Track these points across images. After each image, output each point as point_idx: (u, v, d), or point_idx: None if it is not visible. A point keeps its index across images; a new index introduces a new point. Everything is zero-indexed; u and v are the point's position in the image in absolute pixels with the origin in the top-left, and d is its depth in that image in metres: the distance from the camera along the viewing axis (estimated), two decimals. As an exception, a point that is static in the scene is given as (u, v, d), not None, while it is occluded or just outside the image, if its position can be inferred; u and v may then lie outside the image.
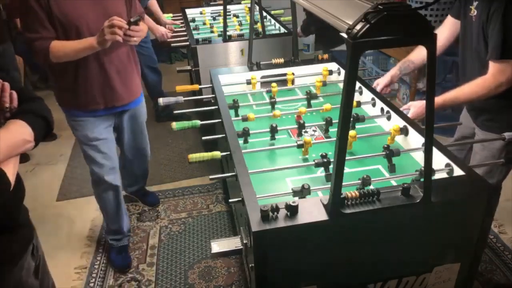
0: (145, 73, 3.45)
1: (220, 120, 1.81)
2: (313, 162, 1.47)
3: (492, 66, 1.62)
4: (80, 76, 1.93)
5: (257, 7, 2.94)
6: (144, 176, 2.75)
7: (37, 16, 1.77)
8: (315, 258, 1.24)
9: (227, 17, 2.93)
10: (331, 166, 1.44)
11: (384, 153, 1.52)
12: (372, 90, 2.01)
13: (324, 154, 1.48)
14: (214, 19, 3.59)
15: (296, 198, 1.31)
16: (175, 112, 2.09)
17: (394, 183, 1.43)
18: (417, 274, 1.36)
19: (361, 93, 2.07)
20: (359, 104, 1.95)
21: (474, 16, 1.70)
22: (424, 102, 1.12)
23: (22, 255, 1.28)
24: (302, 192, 1.31)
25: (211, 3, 4.09)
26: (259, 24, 3.03)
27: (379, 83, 2.11)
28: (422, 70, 3.49)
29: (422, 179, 1.37)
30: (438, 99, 1.69)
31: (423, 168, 1.37)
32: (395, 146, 1.68)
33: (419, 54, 2.04)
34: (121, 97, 2.08)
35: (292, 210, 1.18)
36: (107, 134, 2.15)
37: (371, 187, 1.34)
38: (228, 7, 3.53)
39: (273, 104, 1.98)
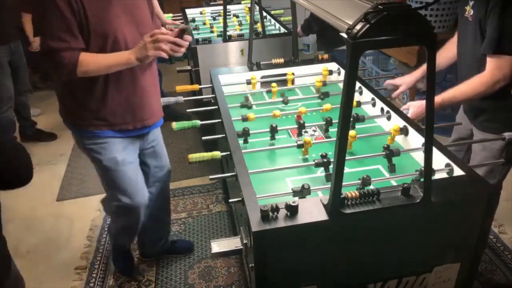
0: None
1: (220, 120, 1.81)
2: (313, 162, 1.48)
3: (489, 62, 1.62)
4: (111, 91, 1.66)
5: (257, 7, 2.94)
6: (168, 222, 2.34)
7: (66, 21, 1.47)
8: (315, 258, 1.25)
9: (227, 17, 2.93)
10: (331, 166, 1.44)
11: (384, 153, 1.52)
12: (372, 90, 2.01)
13: (324, 154, 1.48)
14: (214, 19, 3.59)
15: (296, 198, 1.32)
16: (175, 112, 2.03)
17: (394, 183, 1.43)
18: (417, 274, 1.36)
19: (361, 93, 2.07)
20: (359, 104, 1.95)
21: (470, 16, 1.70)
22: (423, 102, 1.12)
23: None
24: (302, 192, 1.31)
25: (211, 3, 4.09)
26: (259, 24, 3.03)
27: (401, 84, 2.03)
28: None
29: (422, 179, 1.37)
30: (437, 98, 1.68)
31: (423, 168, 1.37)
32: (395, 146, 1.68)
33: (445, 56, 1.99)
34: (151, 115, 1.81)
35: (292, 210, 1.18)
36: (135, 157, 1.89)
37: (371, 187, 1.34)
38: (228, 7, 3.53)
39: (286, 102, 2.01)
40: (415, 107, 1.79)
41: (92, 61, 1.55)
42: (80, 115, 1.71)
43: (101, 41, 1.56)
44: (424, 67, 2.06)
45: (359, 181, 1.37)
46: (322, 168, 1.49)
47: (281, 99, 2.04)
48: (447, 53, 1.97)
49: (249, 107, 1.95)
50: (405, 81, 2.04)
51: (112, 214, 2.12)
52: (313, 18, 3.28)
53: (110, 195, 1.93)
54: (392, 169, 1.52)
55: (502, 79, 1.60)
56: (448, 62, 1.99)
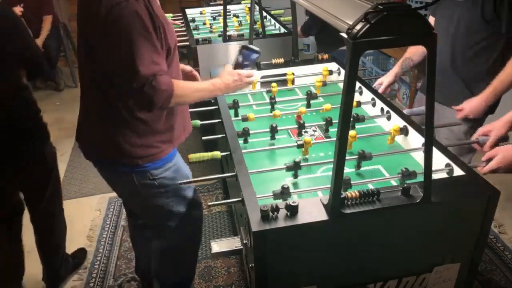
0: None
1: (220, 120, 1.81)
2: (285, 166, 1.47)
3: None
4: (175, 107, 1.53)
5: (257, 7, 2.94)
6: None
7: (154, 42, 1.32)
8: (315, 258, 1.25)
9: (227, 17, 2.93)
10: (300, 170, 1.47)
11: (356, 157, 1.51)
12: (372, 90, 2.01)
13: (298, 159, 1.46)
14: (214, 19, 3.59)
15: (296, 197, 1.32)
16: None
17: (394, 183, 1.43)
18: (417, 274, 1.36)
19: (361, 93, 2.07)
20: (359, 104, 1.95)
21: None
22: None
23: None
24: (283, 194, 1.30)
25: (211, 3, 4.09)
26: (258, 24, 3.03)
27: (383, 82, 2.12)
28: (422, 69, 3.49)
29: (408, 181, 1.37)
30: (481, 100, 1.77)
31: (404, 169, 1.37)
32: (395, 146, 1.68)
33: (417, 51, 2.08)
34: (190, 122, 1.71)
35: (292, 210, 1.18)
36: None
37: (371, 187, 1.34)
38: (228, 7, 3.53)
39: (273, 104, 1.98)
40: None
41: (186, 88, 1.43)
42: (151, 145, 1.50)
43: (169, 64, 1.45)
44: (399, 63, 2.14)
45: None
46: (323, 168, 1.49)
47: (281, 99, 2.04)
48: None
49: (236, 107, 1.94)
50: (386, 79, 2.15)
51: (190, 247, 1.88)
52: (312, 21, 3.29)
53: (178, 221, 1.69)
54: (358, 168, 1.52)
55: None
56: (424, 55, 2.06)
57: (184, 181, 1.49)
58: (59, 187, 2.20)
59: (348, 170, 1.51)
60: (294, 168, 1.45)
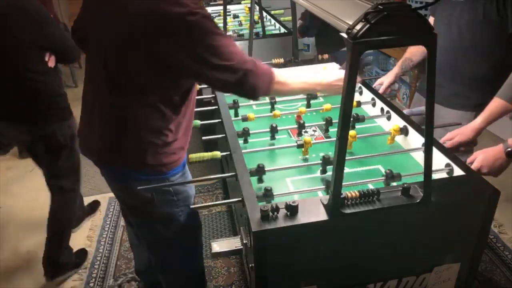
0: None
1: (220, 120, 1.81)
2: (315, 162, 1.46)
3: None
4: (190, 109, 1.50)
5: (257, 7, 2.94)
6: None
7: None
8: (315, 258, 1.25)
9: (227, 17, 2.93)
10: (265, 176, 1.45)
11: (320, 162, 1.49)
12: (372, 90, 2.01)
13: (261, 164, 1.44)
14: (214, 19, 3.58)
15: (296, 197, 1.32)
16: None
17: (394, 183, 1.43)
18: (417, 274, 1.36)
19: (361, 93, 2.07)
20: (359, 104, 1.95)
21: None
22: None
23: None
24: (266, 196, 1.30)
25: (211, 3, 4.09)
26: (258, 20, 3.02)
27: (383, 82, 2.12)
28: (422, 69, 3.49)
29: (394, 183, 1.37)
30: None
31: (388, 171, 1.38)
32: (395, 146, 1.68)
33: (417, 51, 2.07)
34: None
35: (292, 210, 1.18)
36: None
37: (371, 187, 1.34)
38: (228, 7, 3.53)
39: (273, 104, 1.98)
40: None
41: (287, 77, 1.41)
42: (173, 152, 1.46)
43: None
44: (399, 63, 2.12)
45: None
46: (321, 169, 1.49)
47: (281, 99, 2.04)
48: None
49: (236, 107, 1.94)
50: (386, 79, 2.14)
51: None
52: (310, 22, 3.29)
53: (184, 231, 1.63)
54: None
55: None
56: (423, 55, 2.04)
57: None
58: (73, 168, 2.36)
59: (348, 170, 1.51)
60: (257, 173, 1.43)
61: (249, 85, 1.32)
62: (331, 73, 1.54)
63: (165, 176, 1.47)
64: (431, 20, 2.04)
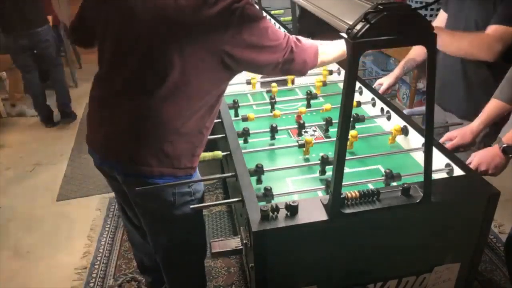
0: None
1: (220, 120, 1.81)
2: (315, 162, 1.46)
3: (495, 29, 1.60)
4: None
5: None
6: None
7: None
8: (315, 258, 1.25)
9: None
10: (265, 176, 1.44)
11: (318, 162, 1.49)
12: (372, 90, 2.01)
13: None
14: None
15: (296, 197, 1.32)
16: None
17: (394, 183, 1.43)
18: (417, 274, 1.36)
19: (361, 93, 2.07)
20: (359, 104, 1.95)
21: None
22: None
23: None
24: (266, 196, 1.30)
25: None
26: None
27: (383, 83, 2.10)
28: (423, 69, 3.49)
29: (394, 183, 1.37)
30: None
31: (388, 171, 1.37)
32: (395, 146, 1.68)
33: (421, 51, 2.04)
34: None
35: (292, 210, 1.18)
36: None
37: (371, 187, 1.34)
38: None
39: (273, 104, 1.98)
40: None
41: (324, 43, 1.47)
42: (199, 154, 1.45)
43: None
44: (401, 64, 2.08)
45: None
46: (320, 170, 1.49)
47: (281, 99, 2.04)
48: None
49: (237, 107, 1.94)
50: (386, 80, 2.11)
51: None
52: (301, 24, 3.29)
53: (193, 228, 1.64)
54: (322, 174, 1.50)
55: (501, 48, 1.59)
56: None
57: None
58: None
59: (348, 170, 1.51)
60: (255, 173, 1.43)
61: (298, 60, 1.37)
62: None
63: (190, 177, 1.44)
64: (443, 16, 1.94)
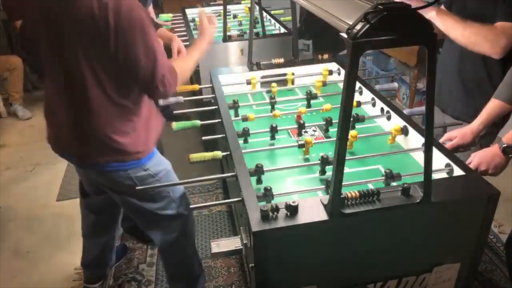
0: None
1: (220, 120, 1.81)
2: (315, 162, 1.46)
3: (503, 25, 1.58)
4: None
5: (257, 7, 2.94)
6: None
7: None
8: (315, 258, 1.25)
9: (227, 17, 2.93)
10: (265, 176, 1.45)
11: (318, 162, 1.50)
12: (372, 90, 2.01)
13: (260, 163, 1.45)
14: (214, 19, 3.58)
15: (296, 197, 1.32)
16: (175, 112, 2.06)
17: (394, 183, 1.43)
18: (417, 274, 1.36)
19: (361, 93, 2.07)
20: (359, 104, 1.95)
21: None
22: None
23: None
24: (266, 196, 1.30)
25: (211, 3, 4.09)
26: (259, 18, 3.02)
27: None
28: (422, 70, 3.49)
29: (394, 183, 1.37)
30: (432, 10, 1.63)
31: (388, 171, 1.37)
32: (395, 146, 1.68)
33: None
34: None
35: (292, 210, 1.18)
36: None
37: (371, 187, 1.34)
38: (228, 7, 3.53)
39: (273, 104, 1.98)
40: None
41: (182, 64, 1.58)
42: (145, 139, 1.59)
43: None
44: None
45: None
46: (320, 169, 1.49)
47: (281, 99, 2.04)
48: None
49: (237, 107, 1.94)
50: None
51: (189, 234, 1.90)
52: (306, 27, 3.29)
53: (177, 207, 1.76)
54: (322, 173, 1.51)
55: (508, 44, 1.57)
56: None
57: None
58: None
59: (348, 170, 1.51)
60: (256, 173, 1.44)
61: (167, 87, 1.46)
62: (206, 33, 1.75)
63: (141, 162, 1.58)
64: None
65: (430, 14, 1.61)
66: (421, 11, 1.57)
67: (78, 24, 1.35)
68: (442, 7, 1.90)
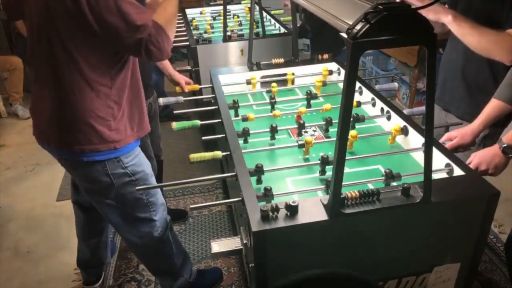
0: None
1: (220, 120, 1.81)
2: (315, 162, 1.46)
3: None
4: (135, 83, 1.61)
5: (257, 7, 2.94)
6: None
7: None
8: (315, 258, 1.24)
9: (227, 17, 2.93)
10: (265, 176, 1.44)
11: (318, 162, 1.50)
12: (372, 90, 2.01)
13: (260, 163, 1.44)
14: (214, 19, 3.59)
15: (296, 197, 1.32)
16: (175, 112, 2.05)
17: (394, 183, 1.43)
18: (417, 274, 1.36)
19: (361, 93, 2.07)
20: (359, 104, 1.95)
21: None
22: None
23: None
24: (266, 196, 1.30)
25: (211, 3, 4.09)
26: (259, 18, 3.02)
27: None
28: (422, 70, 3.49)
29: (394, 183, 1.36)
30: (449, 14, 1.56)
31: (388, 171, 1.37)
32: (395, 146, 1.68)
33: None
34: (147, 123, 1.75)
35: (292, 210, 1.18)
36: None
37: (371, 187, 1.34)
38: (228, 7, 3.53)
39: (273, 104, 1.98)
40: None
41: (164, 16, 1.48)
42: (122, 129, 1.56)
43: None
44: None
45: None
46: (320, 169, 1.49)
47: (281, 99, 2.04)
48: None
49: (237, 107, 1.94)
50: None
51: (164, 248, 1.87)
52: (307, 25, 3.29)
53: (155, 219, 1.76)
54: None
55: None
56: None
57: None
58: None
59: (348, 170, 1.51)
60: (255, 173, 1.44)
61: (156, 43, 1.43)
62: None
63: (117, 154, 1.57)
64: None
65: (447, 19, 1.57)
66: (436, 16, 1.58)
67: (50, 2, 1.37)
68: (446, 6, 1.90)
